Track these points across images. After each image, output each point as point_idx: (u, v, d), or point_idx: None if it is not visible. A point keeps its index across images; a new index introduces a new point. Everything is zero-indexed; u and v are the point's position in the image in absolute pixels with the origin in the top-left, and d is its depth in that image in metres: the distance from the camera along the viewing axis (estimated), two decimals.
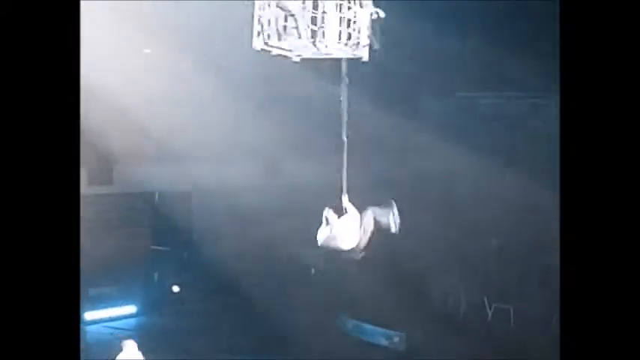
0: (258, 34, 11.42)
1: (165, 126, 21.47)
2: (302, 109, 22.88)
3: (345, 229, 12.24)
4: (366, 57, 11.84)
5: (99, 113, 20.78)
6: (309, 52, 11.48)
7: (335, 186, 11.90)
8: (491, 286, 24.27)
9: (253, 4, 11.50)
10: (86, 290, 23.86)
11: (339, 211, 12.11)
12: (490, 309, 23.89)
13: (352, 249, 12.36)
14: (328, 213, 12.27)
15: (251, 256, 23.95)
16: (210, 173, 24.19)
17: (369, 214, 12.45)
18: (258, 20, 11.33)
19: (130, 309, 23.94)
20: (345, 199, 12.27)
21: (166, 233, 24.19)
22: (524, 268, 24.44)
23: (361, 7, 11.76)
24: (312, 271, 25.02)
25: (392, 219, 12.58)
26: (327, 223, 12.18)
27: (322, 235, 12.25)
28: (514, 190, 24.13)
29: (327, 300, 23.90)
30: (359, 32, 11.77)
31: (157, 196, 23.47)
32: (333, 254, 13.19)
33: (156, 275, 24.03)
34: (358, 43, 11.82)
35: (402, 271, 24.33)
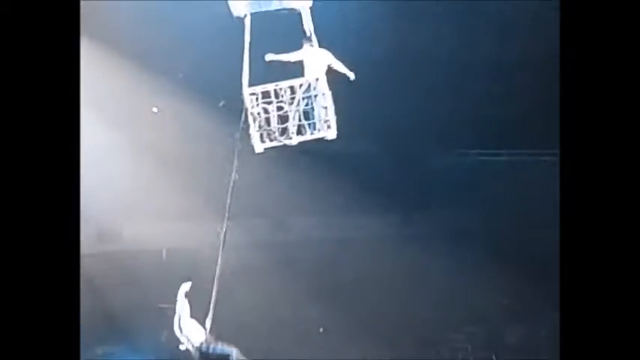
0: (261, 136, 12.28)
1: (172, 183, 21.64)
2: None
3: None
4: (333, 136, 12.49)
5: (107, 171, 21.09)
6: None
7: None
8: (499, 343, 24.18)
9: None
10: (94, 349, 23.88)
11: None
12: None
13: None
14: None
15: (257, 313, 23.87)
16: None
17: None
18: (259, 125, 12.21)
19: None
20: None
21: (174, 291, 24.08)
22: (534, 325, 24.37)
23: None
24: (321, 330, 24.89)
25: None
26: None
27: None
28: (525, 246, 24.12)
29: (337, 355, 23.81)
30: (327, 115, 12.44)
31: (164, 254, 23.44)
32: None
33: (164, 334, 23.89)
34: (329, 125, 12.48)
35: (410, 328, 24.26)
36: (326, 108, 12.60)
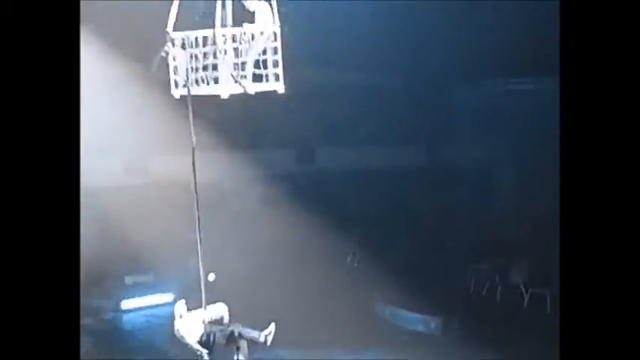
0: (176, 84, 12.14)
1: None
2: None
3: (190, 324, 12.87)
4: (281, 90, 12.33)
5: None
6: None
7: None
8: (528, 271, 24.19)
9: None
10: (122, 279, 24.16)
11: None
12: (527, 293, 23.80)
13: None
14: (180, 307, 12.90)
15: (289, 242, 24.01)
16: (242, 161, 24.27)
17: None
18: (175, 70, 12.10)
19: (167, 297, 24.06)
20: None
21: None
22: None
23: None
24: (350, 255, 25.03)
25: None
26: (180, 316, 12.76)
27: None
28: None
29: (364, 286, 23.93)
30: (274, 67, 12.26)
31: (192, 185, 23.43)
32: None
33: (191, 263, 24.14)
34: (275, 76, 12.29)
35: (439, 255, 24.32)
36: (276, 61, 12.42)
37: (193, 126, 13.96)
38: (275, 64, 12.34)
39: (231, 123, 21.73)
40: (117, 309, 23.78)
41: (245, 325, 13.83)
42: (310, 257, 23.92)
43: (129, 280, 23.94)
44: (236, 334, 13.41)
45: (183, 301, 13.40)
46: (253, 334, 13.56)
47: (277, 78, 12.39)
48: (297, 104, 23.09)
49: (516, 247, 24.49)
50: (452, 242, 24.27)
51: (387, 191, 24.40)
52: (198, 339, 13.10)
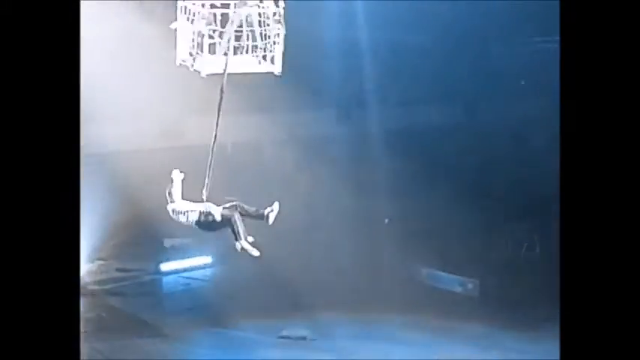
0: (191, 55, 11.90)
1: None
2: None
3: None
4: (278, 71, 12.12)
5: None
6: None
7: None
8: None
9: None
10: (161, 241, 24.26)
11: None
12: None
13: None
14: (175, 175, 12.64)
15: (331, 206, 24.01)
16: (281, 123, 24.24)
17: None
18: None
19: (206, 259, 24.21)
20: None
21: (239, 185, 24.29)
22: None
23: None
24: (386, 220, 24.98)
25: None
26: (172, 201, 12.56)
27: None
28: None
29: (402, 248, 23.91)
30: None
31: (229, 147, 23.44)
32: None
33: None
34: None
35: (476, 217, 24.23)
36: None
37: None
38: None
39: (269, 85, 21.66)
40: (156, 271, 23.94)
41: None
42: (348, 219, 23.91)
43: (168, 242, 24.00)
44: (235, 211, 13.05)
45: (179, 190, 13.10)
46: (252, 210, 13.15)
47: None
48: (336, 64, 23.12)
49: (555, 207, 24.31)
50: (490, 202, 24.09)
51: (424, 151, 24.25)
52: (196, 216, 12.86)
